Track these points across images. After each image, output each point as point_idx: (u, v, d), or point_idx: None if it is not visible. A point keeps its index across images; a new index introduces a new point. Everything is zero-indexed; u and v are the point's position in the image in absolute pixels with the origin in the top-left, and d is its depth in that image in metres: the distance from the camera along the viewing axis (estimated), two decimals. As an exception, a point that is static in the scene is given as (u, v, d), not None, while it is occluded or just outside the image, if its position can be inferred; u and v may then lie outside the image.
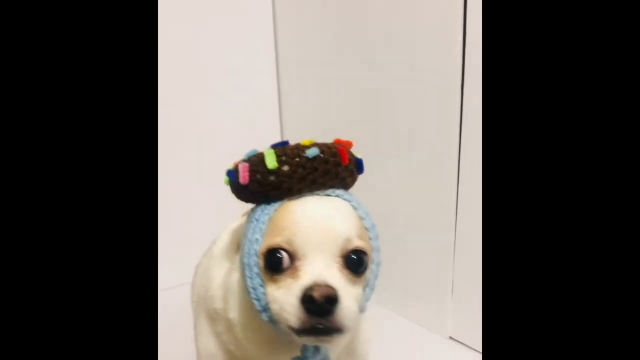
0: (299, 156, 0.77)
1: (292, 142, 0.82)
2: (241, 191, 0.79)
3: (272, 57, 1.97)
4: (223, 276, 0.89)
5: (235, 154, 0.83)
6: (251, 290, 0.77)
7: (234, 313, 0.85)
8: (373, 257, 0.78)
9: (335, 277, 0.71)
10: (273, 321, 0.75)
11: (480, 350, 1.50)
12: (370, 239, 0.78)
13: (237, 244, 0.87)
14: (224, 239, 0.97)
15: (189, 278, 1.08)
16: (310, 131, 1.90)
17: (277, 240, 0.74)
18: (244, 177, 0.77)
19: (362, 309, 0.77)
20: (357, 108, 1.73)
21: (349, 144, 0.83)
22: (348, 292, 0.72)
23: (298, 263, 0.73)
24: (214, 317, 0.90)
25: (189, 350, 1.31)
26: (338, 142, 0.82)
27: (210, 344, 0.92)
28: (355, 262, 0.74)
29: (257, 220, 0.78)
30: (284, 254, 0.73)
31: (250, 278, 0.77)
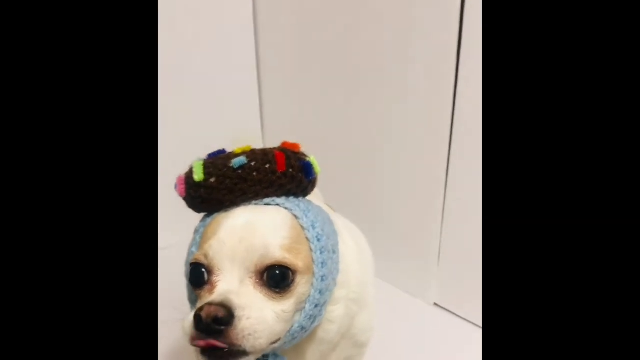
0: (226, 167, 0.72)
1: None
2: (184, 200, 0.77)
3: (252, 51, 1.87)
4: None
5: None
6: (190, 304, 0.76)
7: None
8: (316, 271, 0.73)
9: (244, 295, 0.68)
10: None
11: (464, 317, 1.50)
12: (312, 250, 0.73)
13: None
14: None
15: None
16: (292, 119, 1.87)
17: (196, 256, 0.72)
18: (180, 190, 0.75)
19: (303, 327, 0.73)
20: (342, 85, 1.65)
21: (294, 147, 0.77)
22: (261, 311, 0.68)
23: (214, 278, 0.70)
24: None
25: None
26: (283, 146, 0.77)
27: None
28: (275, 278, 0.69)
29: (196, 232, 0.77)
30: (202, 268, 0.71)
31: (188, 292, 0.76)
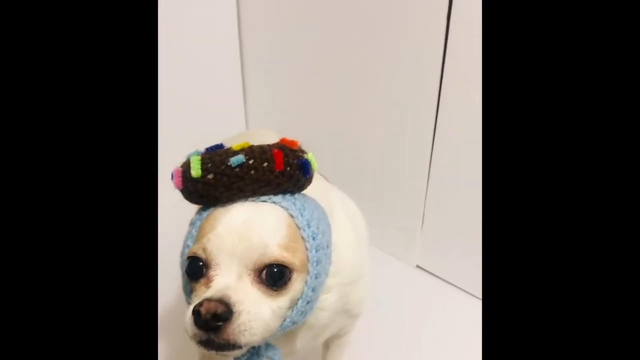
0: (224, 164, 0.71)
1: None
2: (181, 193, 0.77)
3: (235, 29, 1.80)
4: None
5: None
6: (185, 295, 0.77)
7: None
8: (310, 270, 0.74)
9: (242, 290, 0.69)
10: None
11: (446, 279, 1.55)
12: (307, 249, 0.74)
13: None
14: None
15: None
16: (275, 89, 1.80)
17: (194, 249, 0.72)
18: (177, 183, 0.74)
19: (294, 322, 0.75)
20: (327, 54, 1.61)
21: (292, 144, 0.76)
22: (258, 307, 0.69)
23: (211, 272, 0.71)
24: None
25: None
26: (282, 143, 0.75)
27: None
28: (273, 276, 0.70)
29: (193, 225, 0.77)
30: (199, 261, 0.71)
31: (183, 282, 0.77)
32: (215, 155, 0.72)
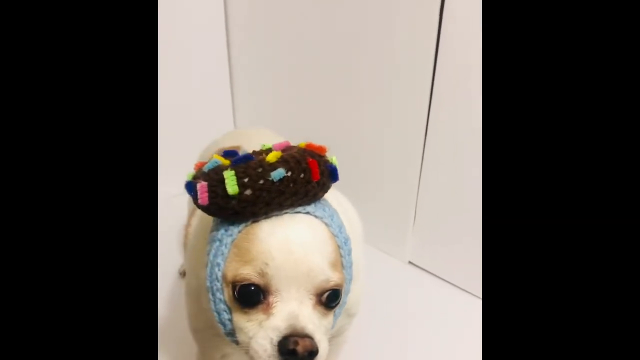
0: (264, 179, 0.67)
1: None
2: (202, 209, 0.72)
3: (222, 27, 1.76)
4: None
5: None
6: (216, 314, 0.73)
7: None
8: (345, 275, 0.73)
9: (309, 317, 0.68)
10: (238, 344, 0.72)
11: (437, 275, 1.56)
12: (341, 256, 0.73)
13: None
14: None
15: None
16: (264, 95, 1.74)
17: (246, 273, 0.68)
18: (202, 199, 0.68)
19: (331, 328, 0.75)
20: (319, 52, 1.58)
21: (321, 150, 0.74)
22: (321, 331, 0.69)
23: (271, 298, 0.68)
24: None
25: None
26: (309, 149, 0.73)
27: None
28: (331, 297, 0.70)
29: (219, 241, 0.71)
30: (256, 287, 0.68)
31: (214, 303, 0.72)
32: (249, 169, 0.68)
